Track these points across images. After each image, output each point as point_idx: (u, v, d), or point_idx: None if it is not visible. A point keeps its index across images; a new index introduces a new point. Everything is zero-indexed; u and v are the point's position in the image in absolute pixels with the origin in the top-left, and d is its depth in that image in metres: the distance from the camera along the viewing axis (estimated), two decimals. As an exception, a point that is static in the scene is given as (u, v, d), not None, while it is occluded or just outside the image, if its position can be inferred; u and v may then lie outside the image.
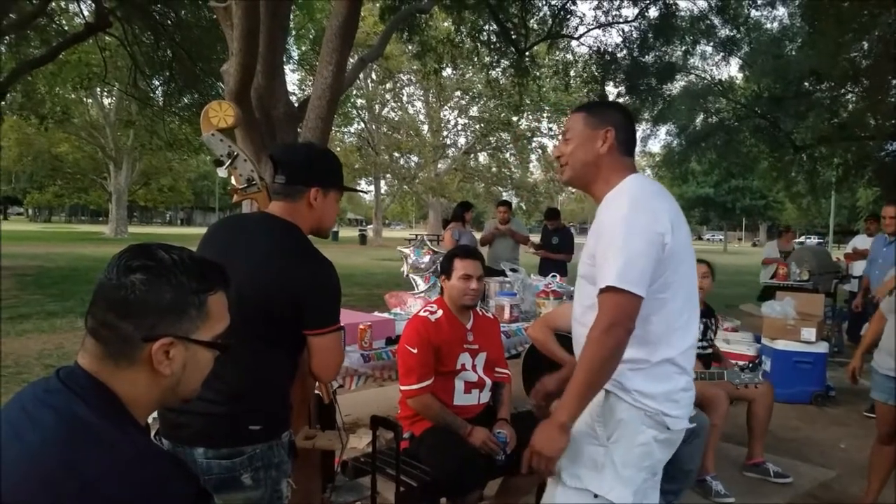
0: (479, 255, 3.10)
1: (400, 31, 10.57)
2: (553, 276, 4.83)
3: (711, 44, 12.94)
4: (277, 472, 1.75)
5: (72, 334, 7.50)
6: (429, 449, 2.79)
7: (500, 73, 13.65)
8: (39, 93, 17.31)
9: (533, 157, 34.88)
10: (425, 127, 34.93)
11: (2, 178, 41.59)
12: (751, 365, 4.24)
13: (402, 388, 2.88)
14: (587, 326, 1.74)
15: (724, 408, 3.74)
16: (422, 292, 4.21)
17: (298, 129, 5.92)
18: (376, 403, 4.44)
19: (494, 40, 12.19)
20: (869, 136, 12.72)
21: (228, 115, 2.29)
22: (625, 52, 12.37)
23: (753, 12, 12.67)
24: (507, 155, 34.17)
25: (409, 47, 13.39)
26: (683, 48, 12.92)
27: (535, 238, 8.77)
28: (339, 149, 29.84)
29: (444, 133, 34.33)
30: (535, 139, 32.87)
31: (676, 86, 14.57)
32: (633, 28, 12.14)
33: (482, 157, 35.76)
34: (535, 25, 12.36)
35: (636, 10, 11.86)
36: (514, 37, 11.74)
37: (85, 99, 27.98)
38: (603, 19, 12.24)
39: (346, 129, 32.04)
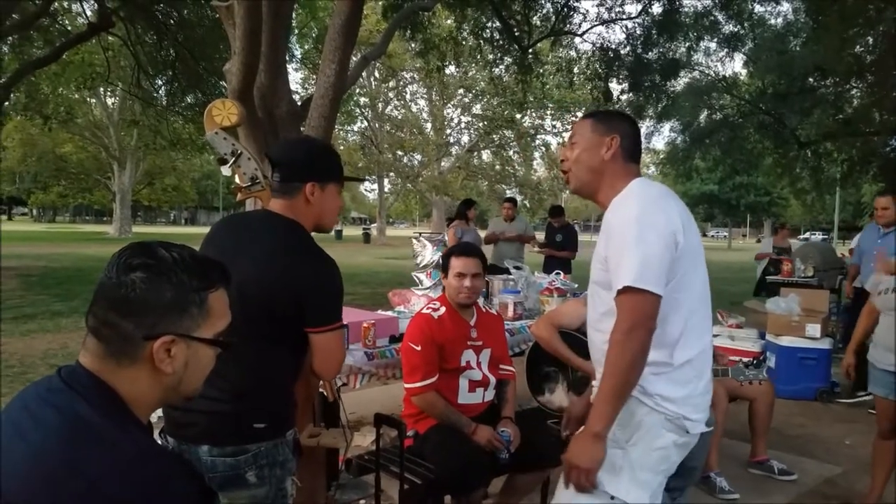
0: (478, 252, 3.06)
1: (403, 28, 10.55)
2: (557, 273, 4.81)
3: (715, 40, 12.92)
4: (282, 470, 1.75)
5: (76, 334, 7.52)
6: (433, 447, 2.78)
7: (504, 71, 13.62)
8: (43, 93, 17.34)
9: (536, 154, 34.82)
10: (428, 125, 34.94)
11: (6, 179, 41.71)
12: (755, 361, 4.23)
13: (407, 385, 2.88)
14: (604, 332, 1.74)
15: (724, 405, 3.74)
16: (426, 289, 4.20)
17: (301, 128, 5.92)
18: (380, 401, 4.44)
19: (497, 37, 12.16)
20: (874, 132, 12.66)
21: (232, 114, 2.28)
22: (628, 48, 12.33)
23: (757, 8, 12.63)
24: (511, 153, 34.11)
25: (412, 45, 13.34)
26: (687, 44, 12.88)
27: (540, 236, 8.77)
28: (342, 147, 29.85)
29: (448, 131, 34.32)
30: (538, 136, 32.81)
31: (680, 82, 14.53)
32: (636, 24, 12.11)
33: (486, 155, 35.74)
34: (539, 22, 12.33)
35: (639, 7, 11.85)
36: (517, 34, 11.71)
37: (88, 99, 28.04)
38: (606, 16, 12.20)
39: (349, 128, 32.04)
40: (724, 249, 39.55)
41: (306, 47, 19.78)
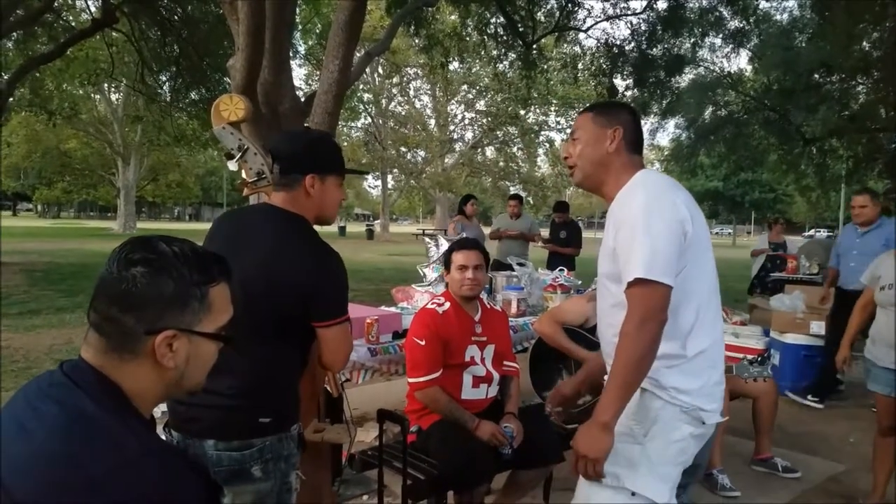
0: (479, 246, 3.06)
1: (406, 24, 10.55)
2: (561, 270, 4.80)
3: (720, 36, 12.83)
4: (286, 465, 1.75)
5: (81, 329, 7.50)
6: (436, 442, 2.78)
7: (508, 67, 13.60)
8: (47, 89, 17.39)
9: (540, 151, 34.79)
10: (432, 121, 34.91)
11: (11, 175, 41.82)
12: (759, 358, 4.22)
13: (410, 380, 2.88)
14: (614, 325, 1.74)
15: (726, 401, 3.73)
16: (428, 285, 4.20)
17: (305, 124, 5.92)
18: (384, 397, 4.44)
19: (501, 33, 12.14)
20: (880, 129, 12.61)
21: (239, 109, 2.28)
22: (633, 44, 12.29)
23: (763, 3, 12.69)
24: (515, 149, 34.08)
25: (416, 41, 13.33)
26: (692, 40, 12.81)
27: (544, 232, 8.76)
28: (345, 143, 29.86)
29: (451, 127, 34.31)
30: (542, 133, 32.80)
31: (685, 78, 14.45)
32: (641, 20, 12.07)
33: (489, 152, 35.73)
34: (543, 18, 12.30)
35: (644, 2, 11.82)
36: (521, 29, 11.69)
37: (93, 95, 28.06)
38: (611, 11, 12.17)
39: (352, 124, 32.03)
40: (729, 246, 39.45)
41: (310, 43, 19.78)
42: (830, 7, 9.98)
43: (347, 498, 3.40)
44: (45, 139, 31.81)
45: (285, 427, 1.76)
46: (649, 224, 1.67)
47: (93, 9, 13.70)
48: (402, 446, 2.69)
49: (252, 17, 4.76)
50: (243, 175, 2.20)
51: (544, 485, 3.14)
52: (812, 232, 47.54)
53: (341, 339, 1.81)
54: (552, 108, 29.80)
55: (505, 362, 3.09)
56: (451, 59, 13.91)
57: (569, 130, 1.99)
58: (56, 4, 12.86)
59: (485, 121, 32.39)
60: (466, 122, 34.35)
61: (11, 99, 14.29)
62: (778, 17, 13.69)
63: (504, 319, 3.23)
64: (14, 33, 12.65)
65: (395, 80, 32.69)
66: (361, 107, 30.89)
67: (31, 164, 37.23)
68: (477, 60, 20.07)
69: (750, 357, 4.23)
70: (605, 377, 1.75)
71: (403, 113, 34.74)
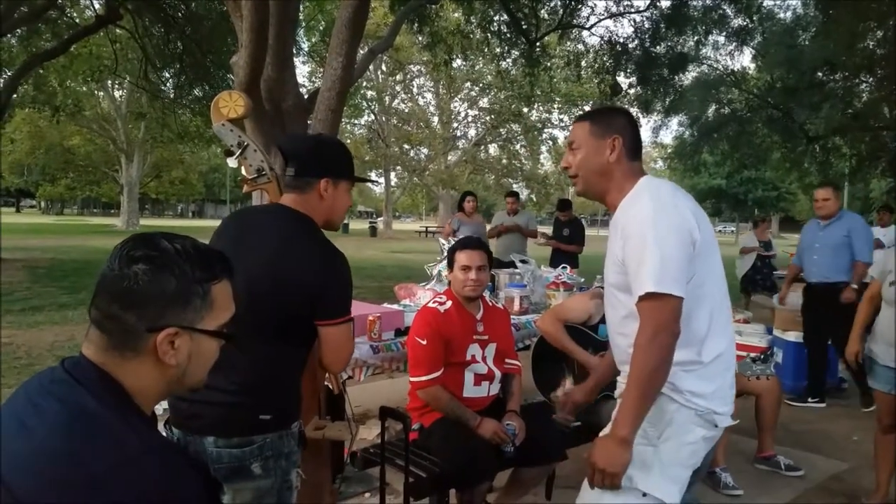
0: (482, 245, 3.06)
1: (410, 21, 10.55)
2: (564, 267, 4.79)
3: (724, 34, 12.82)
4: (287, 462, 1.75)
5: (83, 326, 7.37)
6: (438, 440, 2.79)
7: (511, 64, 13.61)
8: (51, 85, 17.39)
9: (543, 148, 34.77)
10: (435, 119, 34.87)
11: (15, 171, 41.89)
12: (762, 356, 4.22)
13: (412, 379, 2.88)
14: (627, 336, 1.75)
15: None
16: (431, 283, 4.20)
17: (308, 121, 5.92)
18: (386, 395, 4.45)
19: (505, 30, 12.13)
20: (883, 127, 12.59)
21: (239, 105, 2.28)
22: (636, 42, 12.28)
23: (766, 1, 12.57)
24: (518, 146, 34.05)
25: (419, 38, 13.37)
26: (696, 38, 12.80)
27: (547, 230, 8.74)
28: (349, 141, 29.84)
29: (455, 125, 34.27)
30: (545, 130, 32.74)
31: (688, 76, 14.44)
32: (644, 18, 12.07)
33: (492, 149, 35.69)
34: (546, 15, 12.29)
35: (648, 0, 11.77)
36: (524, 27, 11.67)
37: (96, 91, 28.02)
38: (614, 9, 12.16)
39: (356, 121, 32.07)
40: (732, 244, 39.36)
41: (313, 40, 19.75)
42: (834, 5, 9.95)
43: (349, 495, 3.40)
44: (48, 136, 31.79)
45: (286, 424, 1.76)
46: (657, 235, 1.67)
47: (96, 5, 13.71)
48: (404, 444, 2.69)
49: (256, 14, 4.76)
50: (243, 172, 2.20)
51: (547, 482, 3.14)
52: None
53: (344, 339, 1.82)
54: (555, 106, 29.72)
55: (507, 360, 3.09)
56: (454, 56, 13.89)
57: (571, 128, 1.98)
58: (60, 1, 12.88)
59: (488, 118, 32.37)
60: (469, 119, 34.39)
61: (15, 95, 14.31)
62: (781, 14, 13.69)
63: (506, 317, 3.23)
64: (18, 30, 12.67)
65: (398, 77, 32.69)
66: (365, 104, 30.91)
67: (35, 160, 37.25)
68: (480, 58, 20.06)
69: (753, 355, 4.23)
70: (618, 380, 1.75)
71: (407, 110, 34.75)
